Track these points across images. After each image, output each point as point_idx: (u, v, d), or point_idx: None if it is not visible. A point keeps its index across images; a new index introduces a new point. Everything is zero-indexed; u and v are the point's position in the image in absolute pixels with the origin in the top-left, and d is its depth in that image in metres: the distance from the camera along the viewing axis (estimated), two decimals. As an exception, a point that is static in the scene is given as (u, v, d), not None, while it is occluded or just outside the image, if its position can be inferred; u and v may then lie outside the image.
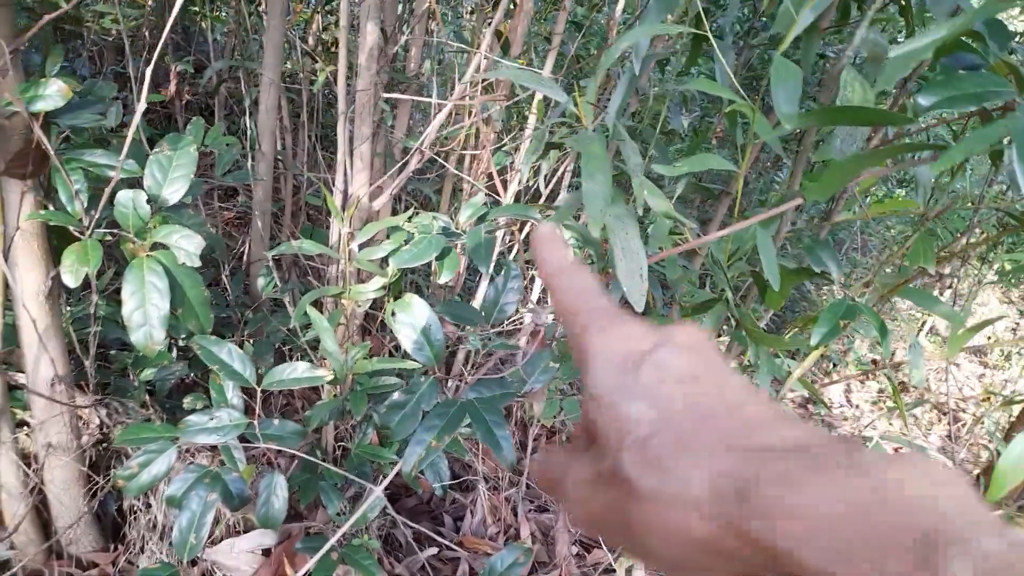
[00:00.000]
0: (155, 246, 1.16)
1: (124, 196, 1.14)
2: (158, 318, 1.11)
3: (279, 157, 2.24)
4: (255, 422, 1.07)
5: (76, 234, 1.14)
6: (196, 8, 2.73)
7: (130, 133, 1.03)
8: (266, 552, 1.44)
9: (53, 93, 0.99)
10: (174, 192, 1.19)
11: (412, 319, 0.94)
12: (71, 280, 1.07)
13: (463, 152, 2.16)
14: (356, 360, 1.54)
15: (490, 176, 2.07)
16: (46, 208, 1.16)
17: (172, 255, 1.15)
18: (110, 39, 2.81)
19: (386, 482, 0.97)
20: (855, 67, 0.97)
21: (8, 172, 1.06)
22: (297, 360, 1.36)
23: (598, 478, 0.27)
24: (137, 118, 1.00)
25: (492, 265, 0.98)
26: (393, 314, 1.06)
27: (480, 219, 1.11)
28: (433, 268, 1.40)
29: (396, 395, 0.90)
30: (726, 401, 0.26)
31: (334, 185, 1.66)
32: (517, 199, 2.18)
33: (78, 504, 1.43)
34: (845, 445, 0.22)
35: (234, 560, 1.41)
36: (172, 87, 2.45)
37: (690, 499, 0.23)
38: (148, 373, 1.58)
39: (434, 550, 1.67)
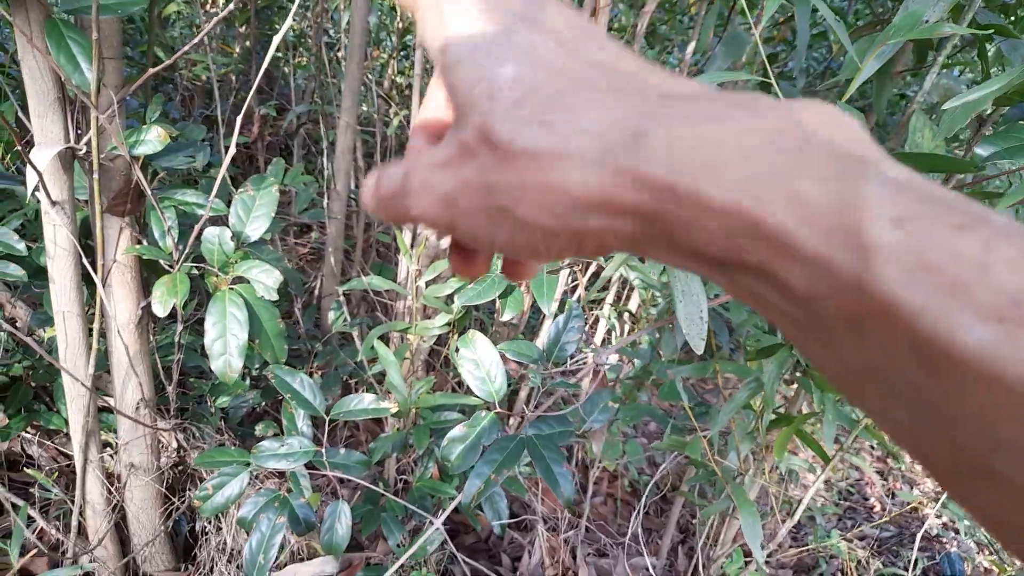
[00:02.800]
0: (236, 280, 1.23)
1: (211, 233, 1.22)
2: (237, 348, 1.17)
3: (352, 196, 2.33)
4: (323, 450, 1.11)
5: (166, 267, 1.22)
6: (280, 54, 2.89)
7: (220, 174, 1.10)
8: (328, 580, 1.47)
9: (153, 139, 1.08)
10: (256, 229, 1.27)
11: (475, 356, 0.97)
12: (160, 310, 1.14)
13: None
14: (420, 394, 1.58)
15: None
16: (140, 243, 1.25)
17: (252, 288, 1.21)
18: (199, 84, 2.99)
19: (445, 515, 0.99)
20: (925, 111, 0.96)
21: (109, 210, 1.15)
22: (363, 392, 1.40)
23: (451, 157, 0.23)
24: (227, 161, 1.07)
25: (555, 305, 1.00)
26: (457, 350, 1.09)
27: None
28: (497, 306, 1.43)
29: (457, 429, 0.92)
30: (616, 63, 0.23)
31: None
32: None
33: (154, 523, 1.50)
34: (746, 95, 0.20)
35: (297, 586, 1.44)
36: (256, 130, 2.60)
37: (574, 149, 0.20)
38: (223, 400, 1.66)
39: (491, 588, 1.66)
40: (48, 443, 1.78)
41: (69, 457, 1.81)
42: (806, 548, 2.05)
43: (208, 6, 2.74)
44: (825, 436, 1.04)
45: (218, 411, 1.55)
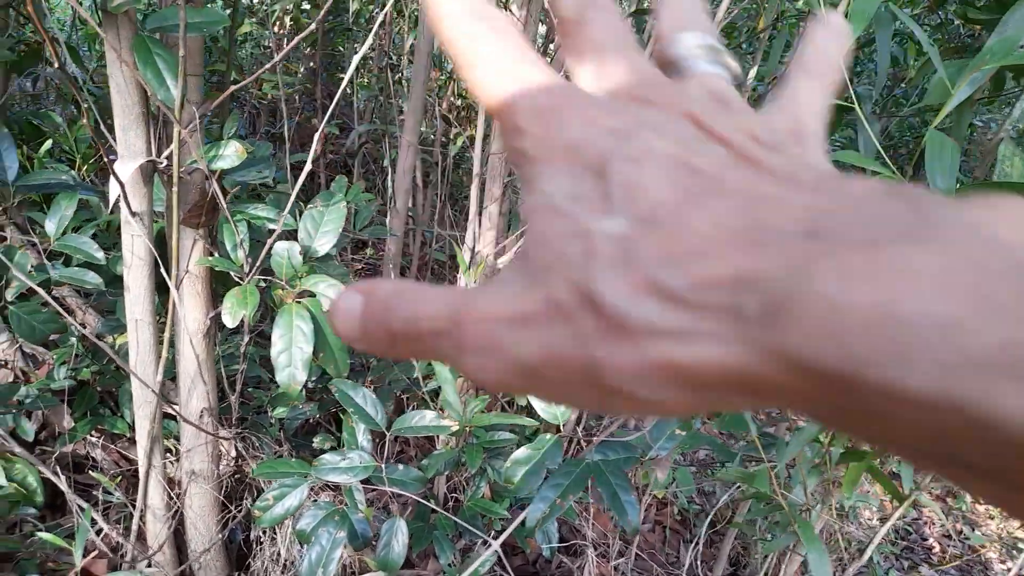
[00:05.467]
0: (303, 293, 1.25)
1: (281, 247, 1.25)
2: (302, 360, 1.19)
3: (410, 214, 2.36)
4: (382, 466, 1.11)
5: (236, 279, 1.24)
6: (343, 75, 2.96)
7: (295, 189, 1.13)
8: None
9: (231, 154, 1.11)
10: (323, 244, 1.29)
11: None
12: (230, 321, 1.16)
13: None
14: (474, 413, 1.57)
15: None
16: (212, 255, 1.28)
17: (318, 302, 1.23)
18: (264, 102, 3.08)
19: (504, 536, 0.99)
20: (1014, 140, 0.94)
21: (185, 222, 1.18)
22: (418, 408, 1.41)
23: (533, 315, 0.18)
24: (303, 177, 1.10)
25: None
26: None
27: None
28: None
29: (521, 451, 0.92)
30: (747, 182, 0.18)
31: (462, 243, 1.74)
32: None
33: (211, 530, 1.52)
34: (904, 201, 0.15)
35: (348, 601, 1.45)
36: (318, 148, 2.65)
37: (705, 327, 0.16)
38: (281, 411, 1.68)
39: (540, 613, 1.64)
40: (111, 447, 1.83)
41: (131, 461, 1.85)
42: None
43: (276, 27, 2.83)
44: (903, 473, 1.00)
45: (278, 421, 1.57)
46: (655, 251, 0.17)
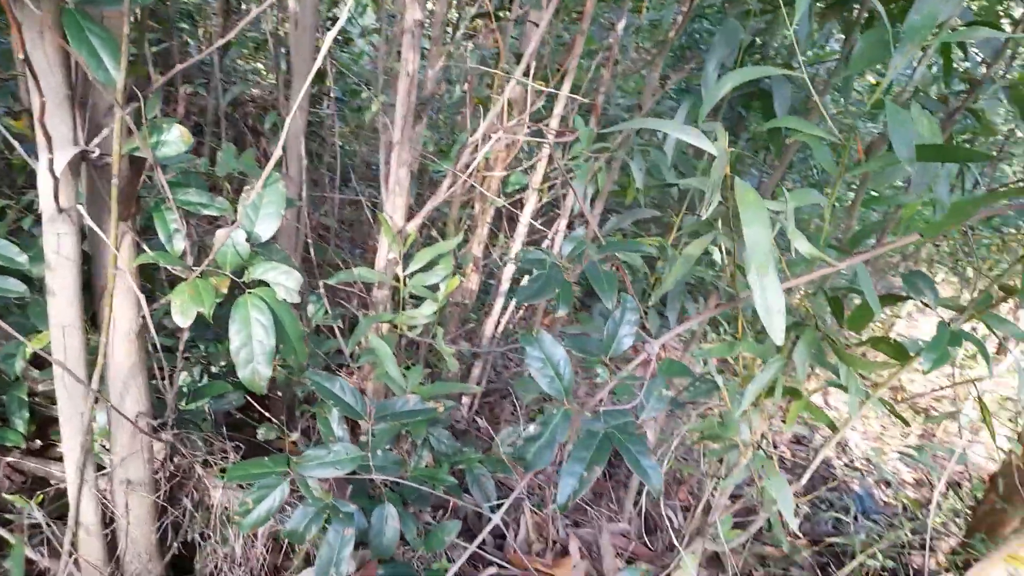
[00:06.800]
0: (252, 283, 1.17)
1: (222, 234, 1.16)
2: (263, 354, 1.12)
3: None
4: (369, 455, 1.10)
5: (177, 273, 1.14)
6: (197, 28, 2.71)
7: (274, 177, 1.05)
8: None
9: (175, 139, 1.00)
10: (265, 229, 1.21)
11: (542, 353, 0.98)
12: (182, 320, 1.08)
13: (484, 174, 2.20)
14: (414, 385, 1.57)
15: (508, 195, 2.14)
16: (141, 249, 1.17)
17: (272, 292, 1.16)
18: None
19: (505, 507, 1.01)
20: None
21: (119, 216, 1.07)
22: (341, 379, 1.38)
23: None
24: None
25: (615, 297, 1.03)
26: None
27: (579, 253, 1.16)
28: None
29: (531, 427, 0.94)
30: None
31: (381, 210, 1.69)
32: (533, 217, 2.25)
33: (149, 539, 1.42)
34: None
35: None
36: (181, 109, 2.44)
37: None
38: (202, 403, 1.58)
39: (493, 569, 1.70)
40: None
41: (23, 474, 1.68)
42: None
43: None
44: (850, 407, 1.13)
45: (209, 415, 1.48)
46: None
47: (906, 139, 0.89)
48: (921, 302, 1.04)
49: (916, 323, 5.21)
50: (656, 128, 0.85)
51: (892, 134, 0.89)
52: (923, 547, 2.24)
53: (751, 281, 0.85)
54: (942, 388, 1.22)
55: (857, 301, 1.24)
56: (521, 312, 2.77)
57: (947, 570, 2.27)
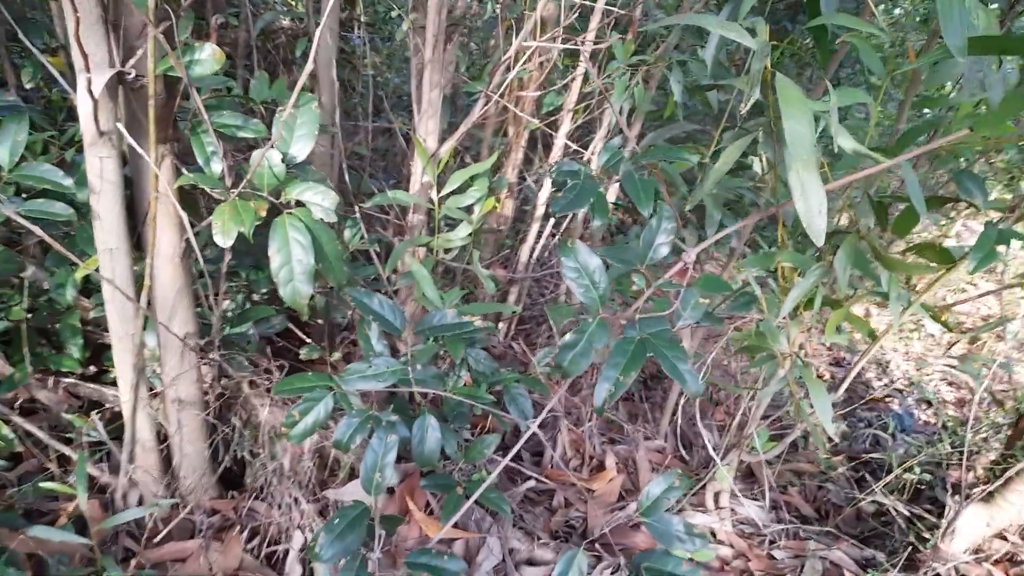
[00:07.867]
0: (289, 204, 1.18)
1: (258, 155, 1.16)
2: (304, 273, 1.14)
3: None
4: (409, 368, 1.12)
5: (216, 196, 1.16)
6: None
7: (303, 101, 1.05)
8: (390, 490, 1.51)
9: (207, 57, 1.00)
10: (300, 150, 1.21)
11: (577, 263, 0.98)
12: (223, 240, 1.09)
13: (518, 94, 2.17)
14: (452, 305, 1.59)
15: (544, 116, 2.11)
16: (180, 172, 1.18)
17: (308, 212, 1.17)
18: None
19: (541, 417, 1.03)
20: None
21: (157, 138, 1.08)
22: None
23: None
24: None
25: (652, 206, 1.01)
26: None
27: (616, 163, 1.14)
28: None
29: (568, 337, 0.95)
30: None
31: (414, 133, 1.68)
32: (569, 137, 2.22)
33: (202, 455, 1.49)
34: None
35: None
36: (212, 40, 2.42)
37: None
38: (246, 326, 1.62)
39: (530, 483, 1.75)
40: (60, 384, 1.71)
41: (79, 398, 1.75)
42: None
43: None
44: (892, 314, 1.12)
45: (253, 337, 1.52)
46: None
47: (958, 29, 0.84)
48: (972, 209, 1.01)
49: (965, 243, 5.09)
50: (696, 23, 0.82)
51: (943, 23, 0.85)
52: (961, 461, 2.24)
53: (791, 181, 0.83)
54: (987, 294, 1.19)
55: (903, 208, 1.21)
56: (556, 239, 2.77)
57: (986, 482, 2.27)
